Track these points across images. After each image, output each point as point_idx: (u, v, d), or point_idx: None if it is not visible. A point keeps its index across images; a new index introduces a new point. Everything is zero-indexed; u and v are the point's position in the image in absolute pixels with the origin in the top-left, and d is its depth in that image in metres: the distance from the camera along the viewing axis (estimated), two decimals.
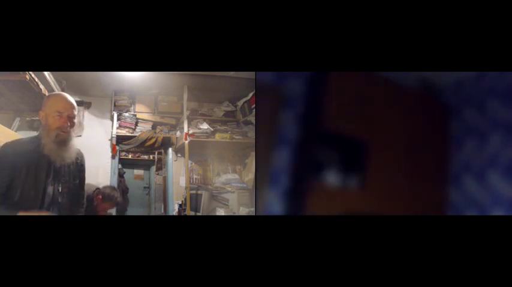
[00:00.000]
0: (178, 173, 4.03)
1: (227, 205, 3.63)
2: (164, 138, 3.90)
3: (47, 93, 2.75)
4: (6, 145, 1.52)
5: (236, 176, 3.94)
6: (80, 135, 2.79)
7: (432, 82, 2.99)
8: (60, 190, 1.57)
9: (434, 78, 2.95)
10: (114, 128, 3.78)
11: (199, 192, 3.60)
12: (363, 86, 2.41)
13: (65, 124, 1.53)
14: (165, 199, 4.01)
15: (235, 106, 4.03)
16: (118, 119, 3.81)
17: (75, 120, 1.60)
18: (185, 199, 3.58)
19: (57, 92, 1.61)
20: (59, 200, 1.56)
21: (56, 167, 1.56)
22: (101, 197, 2.61)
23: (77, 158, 1.67)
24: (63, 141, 1.54)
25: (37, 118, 3.49)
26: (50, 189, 1.52)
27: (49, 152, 1.51)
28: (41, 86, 2.58)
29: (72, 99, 1.60)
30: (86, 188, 1.83)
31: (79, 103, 3.72)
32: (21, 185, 1.44)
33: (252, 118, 3.64)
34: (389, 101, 2.11)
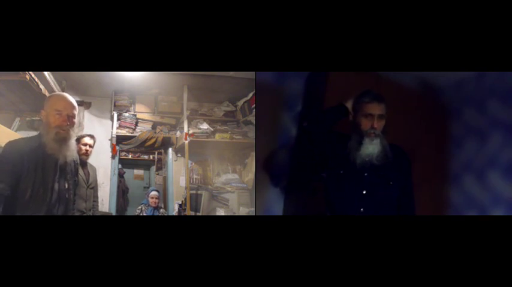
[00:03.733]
0: (178, 173, 4.03)
1: (227, 205, 3.63)
2: (164, 138, 3.90)
3: (47, 93, 2.75)
4: (9, 143, 1.55)
5: (236, 176, 3.94)
6: (80, 135, 2.79)
7: (432, 82, 2.99)
8: (66, 187, 1.62)
9: (434, 78, 2.95)
10: (114, 128, 3.78)
11: (199, 192, 3.61)
12: (363, 86, 2.41)
13: (64, 123, 1.56)
14: (165, 199, 4.01)
15: (235, 106, 4.03)
16: (118, 119, 3.81)
17: (75, 120, 1.62)
18: (185, 199, 3.58)
19: (58, 92, 1.66)
20: (66, 196, 1.62)
21: (61, 164, 1.60)
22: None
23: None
24: (62, 139, 1.57)
25: (37, 118, 3.49)
26: (56, 186, 1.57)
27: (50, 150, 1.55)
28: (41, 86, 2.58)
29: (72, 99, 1.62)
30: None
31: (79, 103, 3.70)
32: (31, 184, 1.48)
33: (252, 118, 3.64)
34: (389, 101, 2.11)
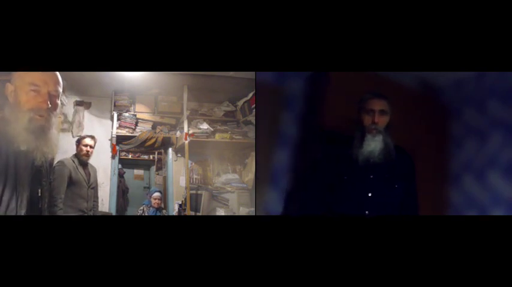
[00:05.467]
0: (178, 173, 4.03)
1: (227, 205, 3.63)
2: (164, 138, 3.90)
3: None
4: None
5: (236, 176, 3.94)
6: (81, 136, 2.79)
7: (432, 82, 2.99)
8: (39, 194, 1.22)
9: (434, 78, 2.95)
10: (114, 128, 3.78)
11: (199, 192, 3.61)
12: (363, 86, 2.41)
13: (43, 104, 1.12)
14: (165, 199, 4.01)
15: (235, 106, 4.03)
16: (118, 119, 3.81)
17: (58, 101, 1.20)
18: (185, 199, 3.58)
19: None
20: (39, 206, 1.23)
21: (37, 165, 1.18)
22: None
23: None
24: (40, 129, 1.12)
25: None
26: (28, 194, 1.17)
27: (22, 144, 1.11)
28: None
29: (56, 72, 1.22)
30: None
31: (79, 103, 3.72)
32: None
33: (252, 118, 3.64)
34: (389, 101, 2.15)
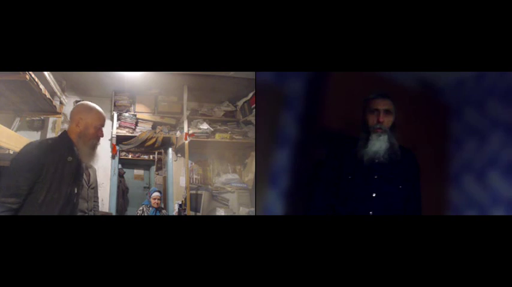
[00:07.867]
0: (178, 173, 4.03)
1: (227, 205, 3.63)
2: (164, 138, 3.90)
3: (47, 94, 2.75)
4: (31, 144, 1.56)
5: (236, 176, 3.94)
6: None
7: (432, 82, 2.99)
8: (76, 191, 1.63)
9: (434, 78, 2.95)
10: (114, 128, 3.78)
11: (199, 192, 3.61)
12: (363, 86, 2.41)
13: (101, 135, 1.68)
14: (165, 199, 4.01)
15: (235, 106, 4.03)
16: (118, 119, 3.81)
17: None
18: (185, 199, 3.58)
19: (96, 106, 1.68)
20: (74, 200, 1.62)
21: (79, 171, 1.66)
22: None
23: None
24: (94, 148, 1.69)
25: (37, 118, 3.49)
26: (69, 190, 1.58)
27: (84, 158, 1.66)
28: (41, 86, 2.58)
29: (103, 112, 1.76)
30: None
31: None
32: (47, 188, 1.48)
33: (252, 118, 3.64)
34: None
